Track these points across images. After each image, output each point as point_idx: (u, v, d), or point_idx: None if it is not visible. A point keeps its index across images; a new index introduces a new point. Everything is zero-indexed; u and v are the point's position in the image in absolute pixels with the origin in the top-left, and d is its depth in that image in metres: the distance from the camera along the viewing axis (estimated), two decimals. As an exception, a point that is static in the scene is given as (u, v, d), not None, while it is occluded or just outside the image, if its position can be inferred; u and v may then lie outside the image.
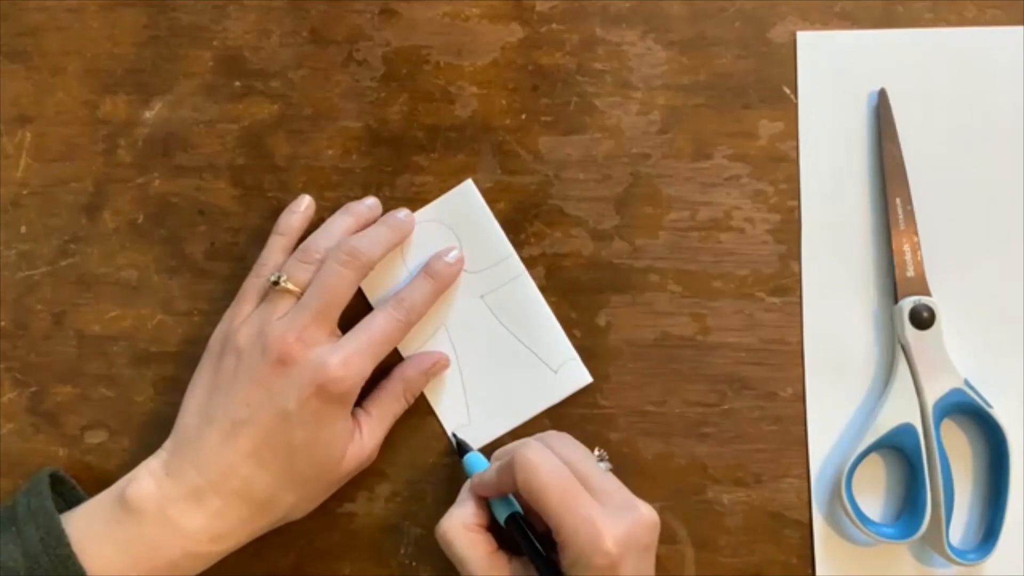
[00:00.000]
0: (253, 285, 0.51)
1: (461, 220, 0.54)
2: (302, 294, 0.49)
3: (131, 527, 0.46)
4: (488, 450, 0.52)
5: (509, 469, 0.46)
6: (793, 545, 0.52)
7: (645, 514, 0.45)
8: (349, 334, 0.50)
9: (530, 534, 0.47)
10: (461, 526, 0.47)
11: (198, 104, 0.55)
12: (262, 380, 0.48)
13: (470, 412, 0.53)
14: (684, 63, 0.54)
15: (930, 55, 0.54)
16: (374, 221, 0.53)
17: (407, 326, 0.51)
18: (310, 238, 0.51)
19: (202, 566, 0.48)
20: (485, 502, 0.48)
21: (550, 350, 0.53)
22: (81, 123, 0.55)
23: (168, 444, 0.49)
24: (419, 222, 0.54)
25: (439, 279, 0.52)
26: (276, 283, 0.49)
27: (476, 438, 0.53)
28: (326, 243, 0.51)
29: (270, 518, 0.48)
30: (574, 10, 0.55)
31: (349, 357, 0.48)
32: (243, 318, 0.50)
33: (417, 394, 0.53)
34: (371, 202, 0.53)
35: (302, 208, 0.53)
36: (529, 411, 0.53)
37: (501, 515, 0.48)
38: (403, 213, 0.53)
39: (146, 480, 0.47)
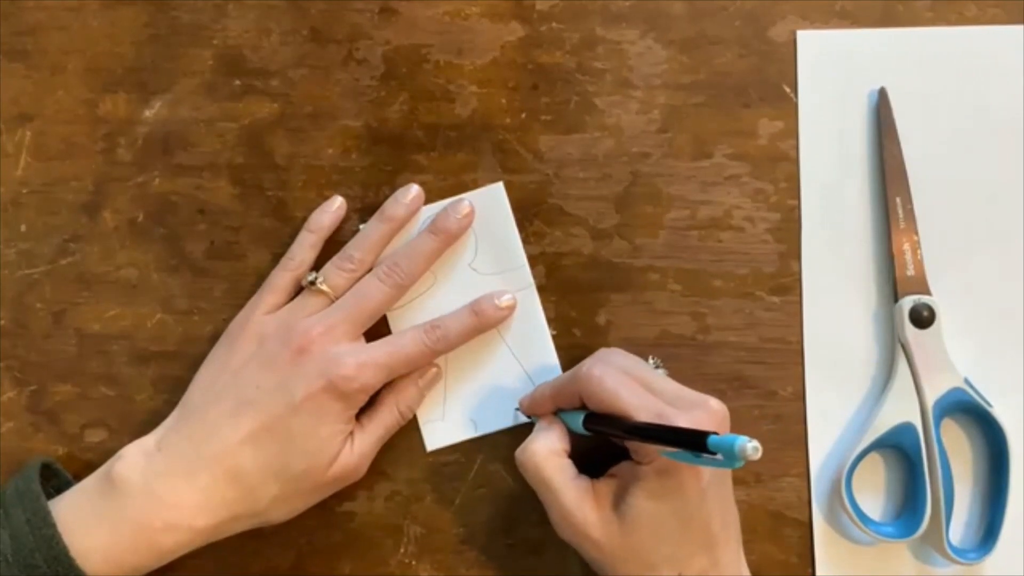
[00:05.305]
0: (280, 278, 0.52)
1: (483, 220, 0.53)
2: (336, 298, 0.51)
3: (116, 503, 0.47)
4: (455, 448, 0.53)
5: (571, 386, 0.47)
6: (793, 544, 0.52)
7: (714, 406, 0.45)
8: (374, 343, 0.51)
9: (611, 419, 0.46)
10: (548, 451, 0.47)
11: (198, 103, 0.55)
12: (278, 367, 0.49)
13: (445, 409, 0.53)
14: (684, 62, 0.54)
15: (930, 54, 0.54)
16: (414, 212, 0.53)
17: (433, 355, 0.51)
18: (348, 245, 0.52)
19: (183, 543, 0.48)
20: (567, 430, 0.49)
21: (539, 368, 0.53)
22: (81, 122, 0.55)
23: (168, 420, 0.50)
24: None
25: (483, 319, 0.52)
26: (312, 283, 0.51)
27: (445, 437, 0.53)
28: (360, 253, 0.52)
29: (251, 506, 0.48)
30: (574, 9, 0.55)
31: (365, 363, 0.49)
32: (266, 309, 0.51)
33: (412, 407, 0.52)
34: (411, 196, 0.53)
35: (333, 208, 0.53)
36: (502, 423, 0.53)
37: (577, 421, 0.48)
38: (461, 211, 0.53)
39: (135, 457, 0.48)
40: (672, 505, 0.45)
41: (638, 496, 0.45)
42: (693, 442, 0.40)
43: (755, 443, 0.38)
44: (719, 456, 0.39)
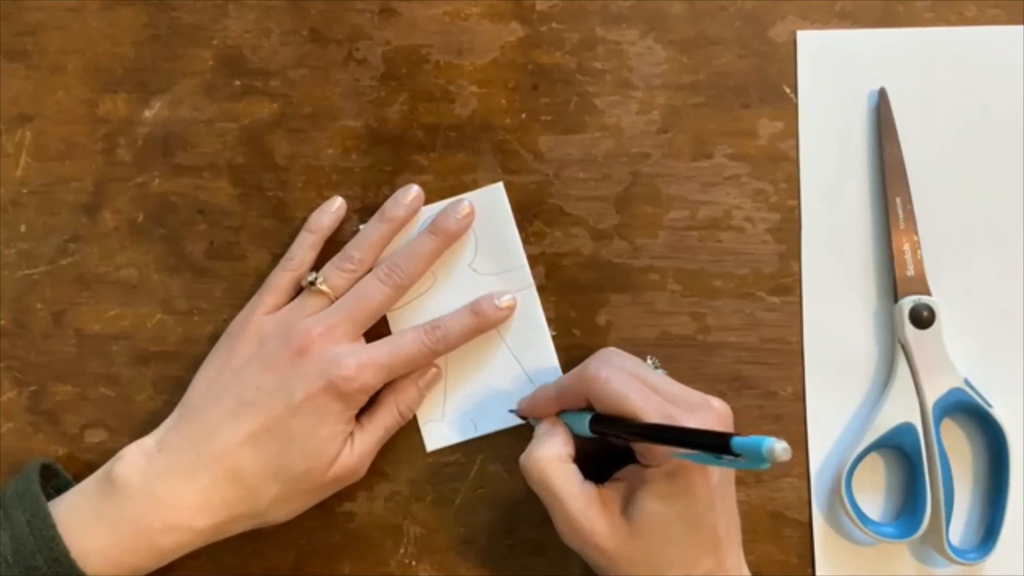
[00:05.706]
0: (280, 279, 0.52)
1: (483, 220, 0.53)
2: (335, 298, 0.51)
3: (116, 504, 0.47)
4: (455, 448, 0.53)
5: (577, 387, 0.47)
6: (793, 545, 0.52)
7: (717, 406, 0.45)
8: (374, 343, 0.50)
9: (618, 420, 0.46)
10: (553, 458, 0.47)
11: (198, 103, 0.55)
12: (277, 367, 0.49)
13: (445, 409, 0.53)
14: (684, 62, 0.54)
15: (930, 55, 0.54)
16: (414, 213, 0.53)
17: (433, 355, 0.51)
18: (348, 245, 0.52)
19: (183, 544, 0.48)
20: (570, 433, 0.48)
21: (538, 369, 0.53)
22: (81, 122, 0.55)
23: (168, 421, 0.50)
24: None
25: (483, 319, 0.52)
26: (312, 284, 0.51)
27: (444, 436, 0.53)
28: (360, 253, 0.52)
29: (252, 507, 0.48)
30: (574, 9, 0.55)
31: (365, 363, 0.49)
32: (266, 309, 0.51)
33: (412, 407, 0.52)
34: (411, 197, 0.53)
35: (333, 209, 0.53)
36: (502, 423, 0.53)
37: (581, 423, 0.47)
38: (461, 211, 0.53)
39: (135, 458, 0.48)
40: (681, 507, 0.44)
41: (647, 499, 0.45)
42: (716, 444, 0.39)
43: (784, 444, 0.36)
44: (742, 458, 0.38)
